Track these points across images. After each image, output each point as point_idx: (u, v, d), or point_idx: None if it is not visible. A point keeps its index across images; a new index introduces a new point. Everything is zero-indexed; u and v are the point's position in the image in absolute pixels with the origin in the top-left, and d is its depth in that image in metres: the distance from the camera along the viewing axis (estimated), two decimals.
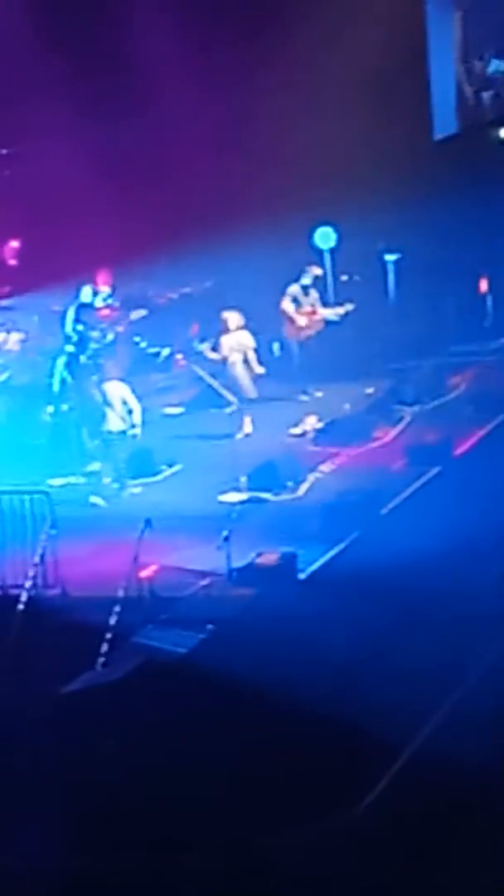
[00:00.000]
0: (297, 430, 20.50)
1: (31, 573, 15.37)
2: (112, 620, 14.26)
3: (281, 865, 10.92)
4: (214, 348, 20.91)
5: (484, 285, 24.80)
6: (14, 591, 15.38)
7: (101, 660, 14.00)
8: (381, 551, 15.45)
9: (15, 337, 22.08)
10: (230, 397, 19.92)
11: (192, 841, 11.30)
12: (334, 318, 22.75)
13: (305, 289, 22.62)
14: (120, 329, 22.00)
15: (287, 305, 22.44)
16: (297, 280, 22.60)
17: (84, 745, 12.52)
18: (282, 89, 23.91)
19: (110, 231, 23.21)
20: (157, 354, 23.14)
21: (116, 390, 19.22)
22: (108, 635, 14.14)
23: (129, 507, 17.96)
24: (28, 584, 15.27)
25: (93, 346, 20.01)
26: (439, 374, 22.46)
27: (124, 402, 19.15)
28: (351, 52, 23.78)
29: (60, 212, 23.62)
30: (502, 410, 20.29)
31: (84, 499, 18.56)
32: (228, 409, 19.91)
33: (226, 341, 20.82)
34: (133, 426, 19.13)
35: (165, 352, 23.02)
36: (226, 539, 15.42)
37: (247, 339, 20.92)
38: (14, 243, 25.26)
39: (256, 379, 20.91)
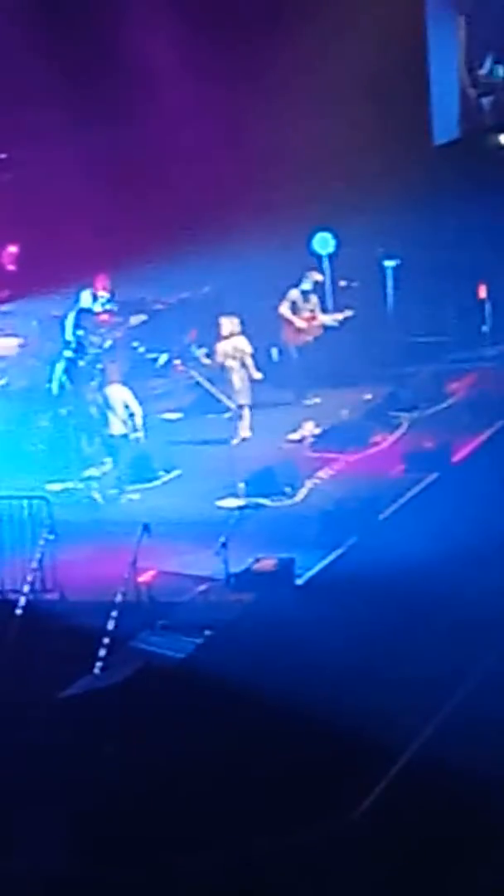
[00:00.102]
0: (296, 436, 20.48)
1: (29, 578, 15.39)
2: (110, 625, 14.27)
3: (280, 867, 10.93)
4: (209, 354, 20.87)
5: (483, 291, 24.79)
6: (13, 596, 15.42)
7: (100, 664, 14.02)
8: (379, 557, 15.46)
9: (13, 342, 22.07)
10: (228, 403, 19.92)
11: (192, 845, 11.30)
12: (333, 323, 22.75)
13: (305, 294, 22.60)
14: (118, 334, 21.95)
15: (285, 310, 22.44)
16: (296, 285, 22.61)
17: (83, 749, 12.54)
18: (282, 95, 23.94)
19: (109, 236, 23.22)
20: (156, 360, 23.11)
21: (118, 394, 19.23)
22: (107, 640, 14.15)
23: (127, 512, 17.97)
24: (27, 588, 15.30)
25: (92, 351, 20.03)
26: (438, 381, 22.47)
27: (126, 406, 19.17)
28: (352, 58, 23.75)
29: (59, 216, 23.60)
30: (500, 416, 20.30)
31: (83, 503, 18.55)
32: (227, 415, 19.91)
33: (222, 347, 20.75)
34: (135, 430, 19.16)
35: (164, 357, 22.96)
36: (224, 544, 15.44)
37: (244, 345, 20.83)
38: (13, 248, 25.22)
39: (254, 384, 20.91)
